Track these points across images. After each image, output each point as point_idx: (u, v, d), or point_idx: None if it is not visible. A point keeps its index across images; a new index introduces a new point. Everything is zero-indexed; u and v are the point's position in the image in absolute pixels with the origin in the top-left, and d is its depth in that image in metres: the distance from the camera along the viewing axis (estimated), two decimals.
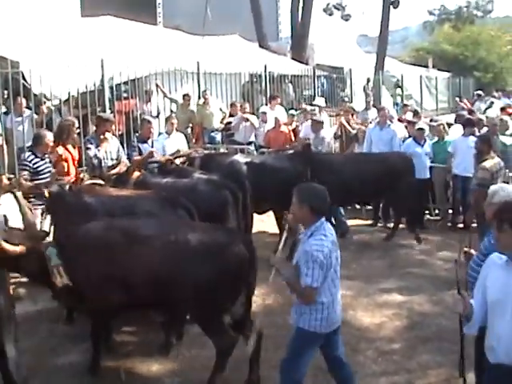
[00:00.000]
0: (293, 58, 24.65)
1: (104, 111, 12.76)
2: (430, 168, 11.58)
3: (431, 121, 13.68)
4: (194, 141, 14.61)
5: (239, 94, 17.93)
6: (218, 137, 15.35)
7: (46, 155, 8.41)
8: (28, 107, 12.27)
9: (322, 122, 12.44)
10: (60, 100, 12.74)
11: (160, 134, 12.12)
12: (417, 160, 11.20)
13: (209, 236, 5.79)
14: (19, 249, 5.46)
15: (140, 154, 9.65)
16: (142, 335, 6.99)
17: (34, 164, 8.12)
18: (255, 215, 9.42)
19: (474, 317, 4.02)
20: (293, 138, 13.74)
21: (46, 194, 7.43)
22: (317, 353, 5.10)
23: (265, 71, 18.28)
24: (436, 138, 12.01)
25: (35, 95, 12.32)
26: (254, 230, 9.37)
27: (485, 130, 12.20)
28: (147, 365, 6.26)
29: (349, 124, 13.94)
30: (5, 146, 12.03)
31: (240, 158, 10.08)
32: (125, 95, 14.64)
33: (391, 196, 10.66)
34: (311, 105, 15.96)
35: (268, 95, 17.62)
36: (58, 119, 11.66)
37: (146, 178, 8.36)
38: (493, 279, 3.88)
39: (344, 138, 13.75)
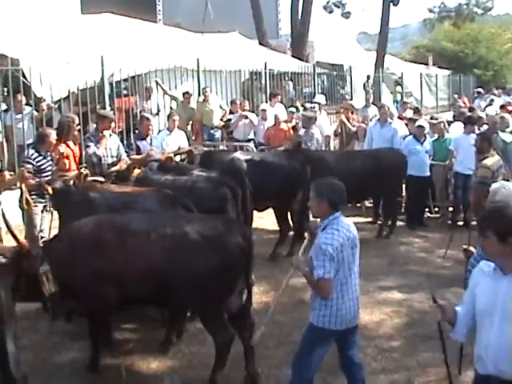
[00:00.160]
0: (293, 56, 24.65)
1: (104, 108, 12.76)
2: (430, 166, 11.58)
3: (431, 118, 13.68)
4: (193, 138, 14.62)
5: (239, 91, 17.93)
6: (218, 134, 15.36)
7: (49, 153, 8.41)
8: (28, 104, 12.26)
9: (312, 118, 12.41)
10: (60, 97, 12.74)
11: (160, 131, 12.11)
12: (416, 157, 11.24)
13: (207, 226, 5.78)
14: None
15: (138, 151, 9.66)
16: (141, 333, 6.99)
17: (37, 162, 8.11)
18: (255, 212, 9.43)
19: (457, 323, 3.98)
20: (293, 136, 13.74)
21: (50, 191, 7.43)
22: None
23: (265, 69, 18.28)
24: (436, 136, 12.02)
25: (35, 95, 12.30)
26: (253, 226, 9.38)
27: (485, 127, 12.20)
28: (147, 362, 6.26)
29: (349, 121, 13.94)
30: (5, 144, 12.03)
31: (240, 156, 10.09)
32: (125, 92, 14.66)
33: (382, 192, 10.68)
34: (311, 102, 15.97)
35: (268, 93, 17.63)
36: (57, 116, 11.65)
37: (146, 176, 8.37)
38: (481, 288, 3.79)
39: (344, 135, 13.77)
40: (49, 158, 8.36)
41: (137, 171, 8.46)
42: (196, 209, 6.95)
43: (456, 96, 26.48)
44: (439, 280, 8.38)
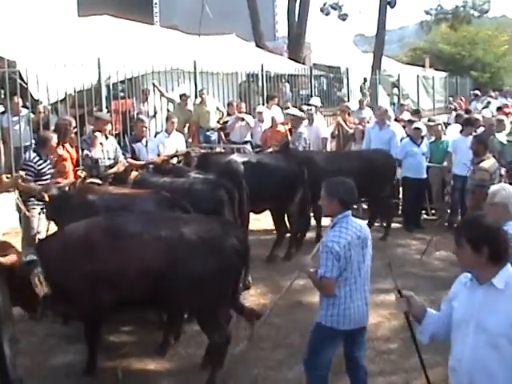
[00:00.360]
0: (290, 58, 24.66)
1: (101, 110, 12.75)
2: (427, 168, 11.58)
3: (429, 120, 13.68)
4: (190, 140, 14.61)
5: (236, 93, 17.91)
6: (214, 136, 15.34)
7: (49, 157, 8.40)
8: (25, 106, 12.24)
9: (301, 118, 12.43)
10: (57, 99, 12.72)
11: (157, 133, 12.11)
12: (413, 159, 11.24)
13: (202, 228, 5.79)
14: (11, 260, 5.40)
15: (133, 153, 9.65)
16: (138, 335, 6.98)
17: (38, 165, 8.10)
18: (251, 214, 9.44)
19: (426, 323, 3.94)
20: (289, 138, 13.73)
21: (47, 198, 7.42)
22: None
23: (262, 71, 18.28)
24: (433, 138, 12.02)
25: (32, 97, 12.28)
26: (250, 228, 9.40)
27: (481, 129, 12.21)
28: (144, 364, 6.25)
29: (346, 123, 13.94)
30: (1, 146, 12.01)
31: (237, 158, 10.08)
32: (121, 94, 14.63)
33: (371, 193, 10.70)
34: (307, 104, 15.96)
35: (265, 95, 17.63)
36: (54, 119, 11.64)
37: (144, 178, 8.37)
38: (459, 299, 3.71)
39: (341, 137, 13.76)
40: (49, 162, 8.35)
41: (134, 173, 8.46)
42: (193, 211, 6.96)
43: (451, 98, 26.50)
44: (436, 282, 8.37)
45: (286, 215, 9.77)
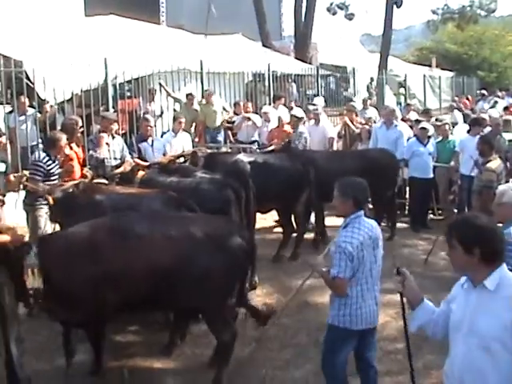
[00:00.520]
0: (296, 58, 24.63)
1: (107, 110, 12.76)
2: (434, 167, 11.55)
3: (436, 120, 13.65)
4: (196, 140, 14.62)
5: (243, 93, 17.91)
6: (220, 136, 15.34)
7: (58, 157, 8.40)
8: (31, 106, 12.26)
9: (301, 118, 12.43)
10: (64, 99, 12.74)
11: (164, 132, 12.11)
12: (420, 159, 11.22)
13: (208, 227, 5.80)
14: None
15: (139, 153, 9.66)
16: (144, 335, 6.99)
17: (47, 166, 8.08)
18: (258, 214, 9.44)
19: (417, 312, 3.89)
20: None
21: (51, 202, 7.41)
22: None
23: (268, 70, 18.26)
24: (440, 138, 11.99)
25: (39, 97, 12.30)
26: (256, 227, 9.39)
27: (488, 129, 12.17)
28: (150, 364, 6.26)
29: (352, 123, 13.92)
30: (8, 146, 12.01)
31: (243, 157, 10.08)
32: (128, 94, 14.65)
33: (376, 193, 10.68)
34: (311, 104, 15.94)
35: (271, 94, 17.62)
36: (61, 118, 11.66)
37: (150, 177, 8.37)
38: (456, 302, 3.62)
39: (348, 137, 13.75)
40: (57, 162, 8.34)
41: (141, 173, 8.47)
42: (200, 210, 6.97)
43: (456, 98, 26.42)
44: (442, 282, 8.33)
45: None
